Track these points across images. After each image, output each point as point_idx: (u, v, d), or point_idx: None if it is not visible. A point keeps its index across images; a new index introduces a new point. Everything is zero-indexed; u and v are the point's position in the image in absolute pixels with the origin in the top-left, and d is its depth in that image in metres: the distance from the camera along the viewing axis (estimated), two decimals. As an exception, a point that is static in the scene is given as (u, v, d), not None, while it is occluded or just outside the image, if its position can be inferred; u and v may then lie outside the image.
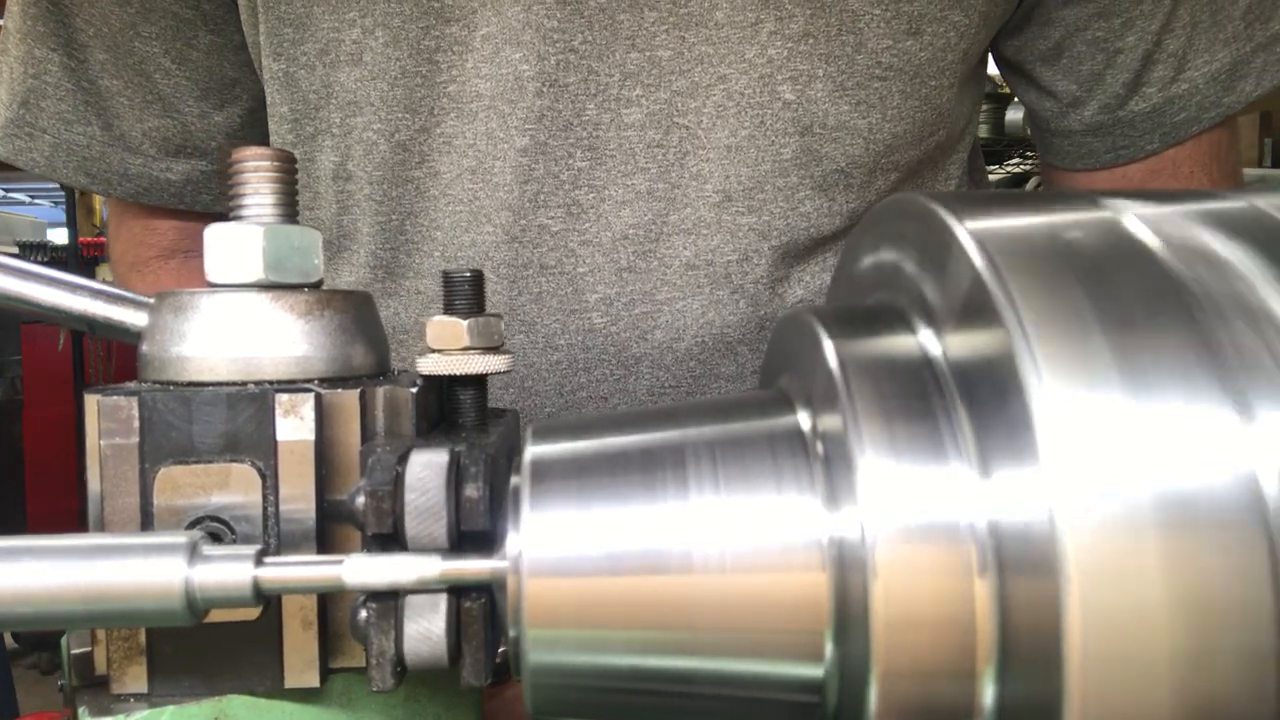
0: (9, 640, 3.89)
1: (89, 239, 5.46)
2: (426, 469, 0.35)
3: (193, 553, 0.34)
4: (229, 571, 0.34)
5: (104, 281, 0.46)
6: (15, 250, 5.81)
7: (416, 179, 0.78)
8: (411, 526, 0.35)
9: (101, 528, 0.38)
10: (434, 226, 0.79)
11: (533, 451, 0.37)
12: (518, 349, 0.79)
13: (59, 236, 6.90)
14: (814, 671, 0.34)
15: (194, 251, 0.95)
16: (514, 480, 0.38)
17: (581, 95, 0.74)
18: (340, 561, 0.35)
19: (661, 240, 0.77)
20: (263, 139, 0.90)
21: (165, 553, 0.34)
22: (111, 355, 4.62)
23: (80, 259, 5.13)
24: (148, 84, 0.87)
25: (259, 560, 0.34)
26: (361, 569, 0.35)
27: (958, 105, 0.82)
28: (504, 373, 0.43)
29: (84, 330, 0.45)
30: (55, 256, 5.66)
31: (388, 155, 0.78)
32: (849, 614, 0.33)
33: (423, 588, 0.35)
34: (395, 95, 0.76)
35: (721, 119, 0.75)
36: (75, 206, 5.10)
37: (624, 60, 0.73)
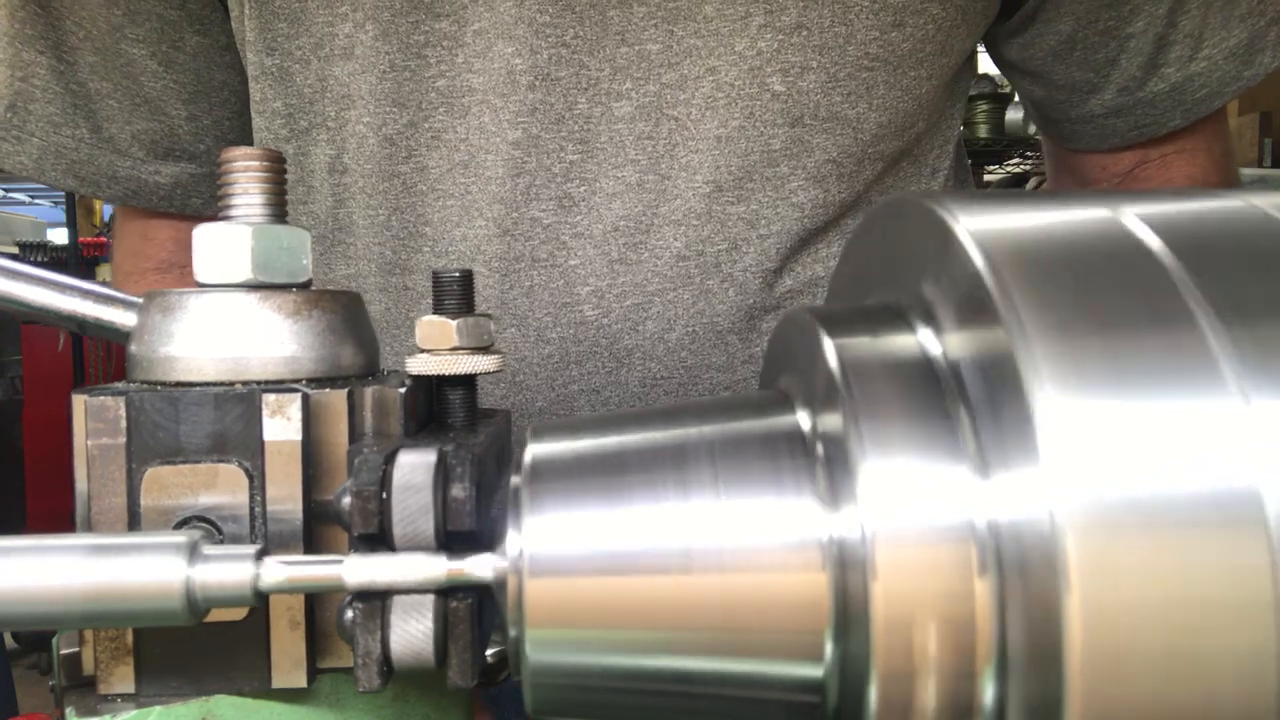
0: (9, 640, 3.90)
1: (89, 239, 5.47)
2: (413, 469, 0.35)
3: (193, 552, 0.34)
4: (229, 571, 0.34)
5: (100, 282, 0.46)
6: (15, 250, 5.82)
7: (404, 174, 0.78)
8: (398, 527, 0.35)
9: (89, 528, 0.38)
10: (423, 222, 0.79)
11: (533, 451, 0.37)
12: (509, 343, 0.79)
13: (59, 236, 6.92)
14: (814, 671, 0.34)
15: (191, 267, 0.96)
16: (514, 480, 0.37)
17: (573, 89, 0.75)
18: (340, 561, 0.35)
19: (652, 232, 0.77)
20: (251, 141, 0.91)
21: (165, 552, 0.34)
22: (111, 355, 4.64)
23: (80, 259, 5.14)
24: (135, 86, 0.87)
25: (259, 560, 0.34)
26: (361, 569, 0.35)
27: (935, 98, 0.82)
28: (494, 373, 0.43)
29: (74, 331, 0.44)
30: (55, 256, 5.68)
31: (376, 149, 0.78)
32: (849, 614, 0.33)
33: (424, 588, 0.35)
34: (384, 89, 0.76)
35: (711, 110, 0.75)
36: (75, 206, 5.11)
37: (614, 54, 0.74)
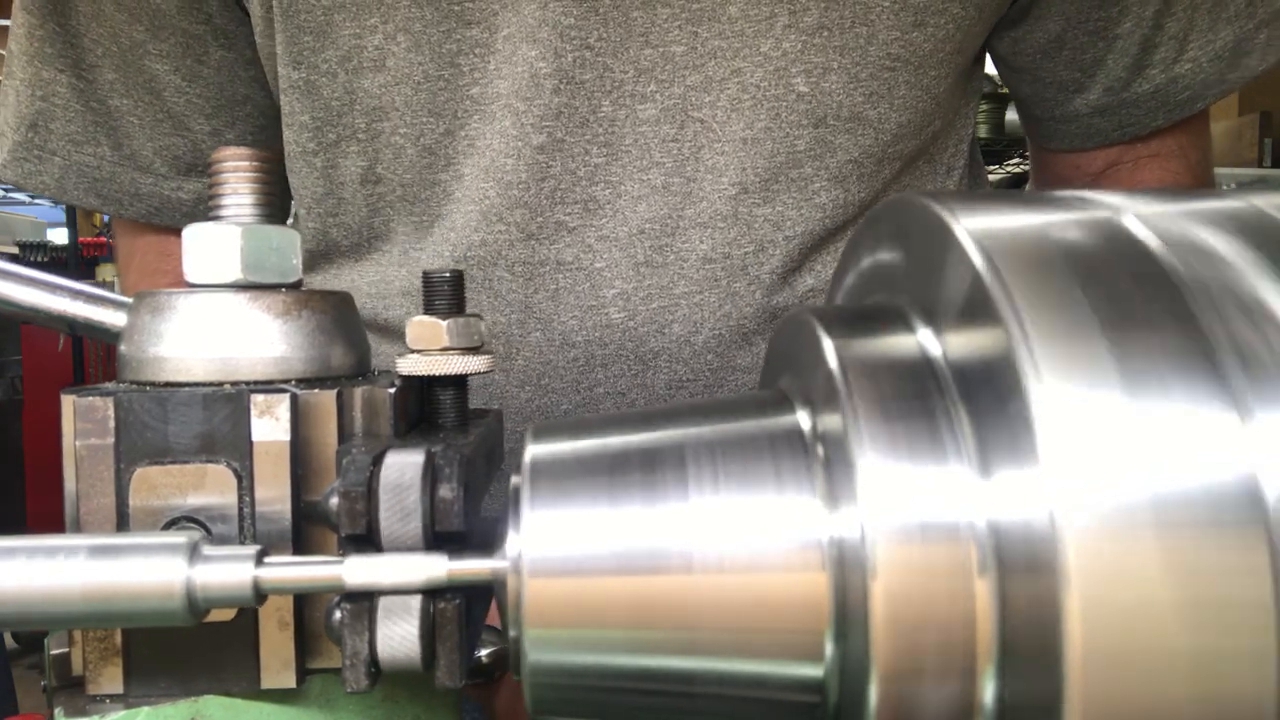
0: (9, 640, 3.90)
1: (89, 239, 5.48)
2: (401, 470, 0.35)
3: (193, 553, 0.34)
4: (229, 571, 0.34)
5: (99, 283, 0.46)
6: (15, 250, 5.82)
7: (444, 181, 0.78)
8: (386, 527, 0.35)
9: (78, 528, 0.38)
10: (450, 228, 0.79)
11: (533, 451, 0.37)
12: (534, 346, 0.79)
13: (59, 236, 6.91)
14: (814, 671, 0.34)
15: None
16: (514, 480, 0.37)
17: (597, 92, 0.74)
18: (341, 562, 0.35)
19: (678, 234, 0.77)
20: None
21: (165, 553, 0.34)
22: (112, 355, 4.63)
23: (80, 259, 5.15)
24: (158, 102, 0.87)
25: (259, 560, 0.34)
26: (362, 569, 0.35)
27: (951, 97, 0.83)
28: (484, 373, 0.43)
29: (65, 331, 0.44)
30: (55, 256, 5.69)
31: (415, 159, 0.78)
32: (849, 614, 0.33)
33: (425, 589, 0.35)
34: (419, 100, 0.76)
35: (736, 112, 0.75)
36: (75, 207, 5.11)
37: (638, 57, 0.74)
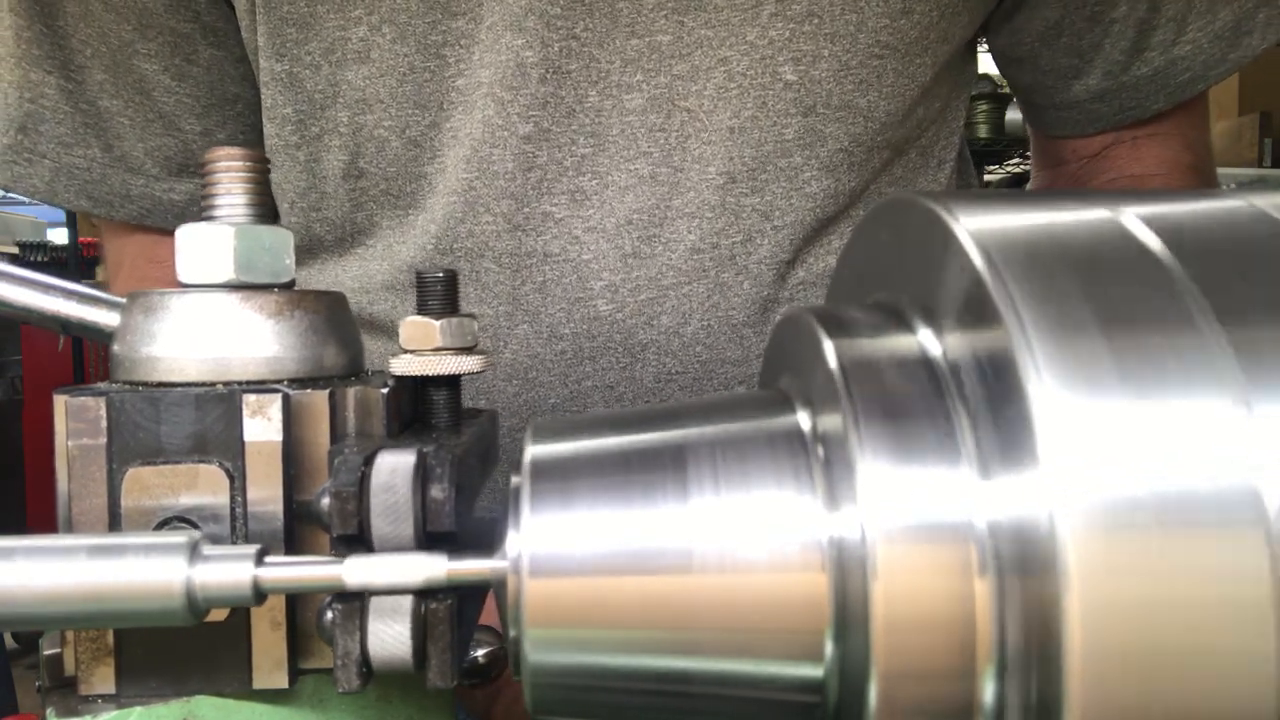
0: (9, 640, 3.91)
1: (89, 239, 5.47)
2: (392, 470, 0.35)
3: (193, 552, 0.34)
4: (229, 571, 0.34)
5: (97, 283, 0.46)
6: (15, 250, 5.82)
7: (428, 174, 0.78)
8: (377, 527, 0.35)
9: (70, 529, 0.38)
10: (433, 220, 0.79)
11: (533, 451, 0.37)
12: (521, 339, 0.79)
13: (59, 236, 6.90)
14: (814, 672, 0.34)
15: None
16: (514, 480, 0.37)
17: (584, 82, 0.74)
18: (340, 561, 0.35)
19: (666, 224, 0.77)
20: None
21: (165, 552, 0.34)
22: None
23: (80, 259, 5.15)
24: (148, 102, 0.87)
25: (259, 560, 0.34)
26: (360, 569, 0.35)
27: (939, 86, 0.83)
28: (478, 373, 0.43)
29: (58, 331, 0.44)
30: (55, 257, 5.68)
31: (400, 152, 0.77)
32: (849, 614, 0.33)
33: (425, 589, 0.35)
34: (404, 91, 0.76)
35: (723, 101, 0.75)
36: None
37: (624, 47, 0.74)
